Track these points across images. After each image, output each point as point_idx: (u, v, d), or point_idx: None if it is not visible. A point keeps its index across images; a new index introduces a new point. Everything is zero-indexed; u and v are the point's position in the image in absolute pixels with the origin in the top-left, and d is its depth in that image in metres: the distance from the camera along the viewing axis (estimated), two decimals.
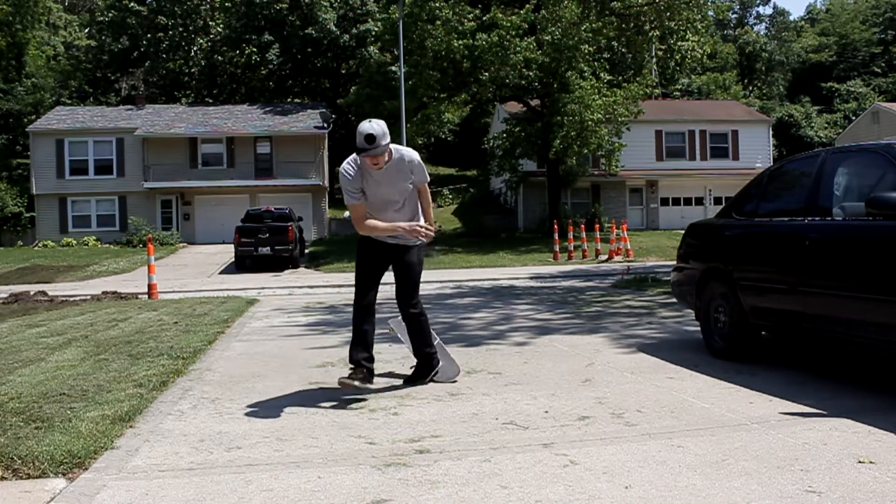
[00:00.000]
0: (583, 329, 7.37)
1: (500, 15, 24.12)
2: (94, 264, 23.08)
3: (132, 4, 43.77)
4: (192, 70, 46.07)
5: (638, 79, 27.49)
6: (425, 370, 4.96)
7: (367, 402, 4.45)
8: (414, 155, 4.73)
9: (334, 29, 41.08)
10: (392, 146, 4.54)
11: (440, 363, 4.98)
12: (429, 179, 4.92)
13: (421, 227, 4.63)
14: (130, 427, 3.91)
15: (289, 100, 44.06)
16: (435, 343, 5.03)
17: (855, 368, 5.05)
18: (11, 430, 3.69)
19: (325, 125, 34.09)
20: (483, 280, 15.52)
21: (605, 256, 21.22)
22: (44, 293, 13.27)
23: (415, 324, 4.90)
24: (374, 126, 4.31)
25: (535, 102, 27.33)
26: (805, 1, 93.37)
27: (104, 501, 2.91)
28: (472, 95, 27.32)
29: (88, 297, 12.74)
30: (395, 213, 4.67)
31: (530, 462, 3.25)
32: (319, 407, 4.36)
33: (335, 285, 15.28)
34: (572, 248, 21.69)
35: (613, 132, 26.15)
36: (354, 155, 4.50)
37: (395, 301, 4.99)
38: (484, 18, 24.68)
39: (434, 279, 14.97)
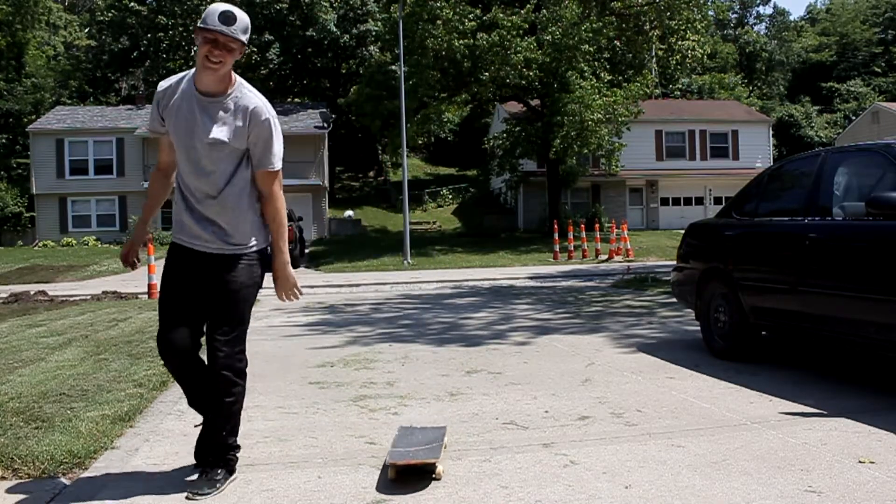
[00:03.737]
0: (583, 329, 7.37)
1: (501, 15, 24.11)
2: (93, 264, 23.07)
3: (132, 4, 43.75)
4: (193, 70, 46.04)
5: (638, 79, 27.46)
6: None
7: (368, 402, 4.45)
8: (262, 106, 3.02)
9: (334, 29, 41.07)
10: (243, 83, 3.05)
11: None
12: (276, 166, 3.09)
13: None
14: (130, 427, 3.91)
15: (289, 99, 44.05)
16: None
17: (855, 368, 5.05)
18: (12, 430, 3.69)
19: (325, 125, 34.09)
20: (483, 280, 15.51)
21: (605, 256, 21.21)
22: (44, 293, 13.26)
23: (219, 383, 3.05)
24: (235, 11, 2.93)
25: (535, 102, 27.33)
26: (805, 1, 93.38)
27: (104, 501, 2.91)
28: (472, 95, 27.31)
29: (88, 297, 12.74)
30: (206, 186, 3.03)
31: (530, 462, 3.25)
32: (319, 407, 4.36)
33: (335, 285, 15.28)
34: (572, 248, 21.68)
35: (613, 132, 26.14)
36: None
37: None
38: (484, 18, 24.67)
39: (434, 279, 14.98)
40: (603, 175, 31.61)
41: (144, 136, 32.53)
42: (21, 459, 3.24)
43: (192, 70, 3.05)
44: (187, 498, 2.91)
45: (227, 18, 2.90)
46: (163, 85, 3.10)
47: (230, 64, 2.95)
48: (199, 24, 2.90)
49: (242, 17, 2.94)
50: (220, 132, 2.97)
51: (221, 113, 2.98)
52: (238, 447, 3.18)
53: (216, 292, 3.03)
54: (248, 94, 3.02)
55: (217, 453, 3.08)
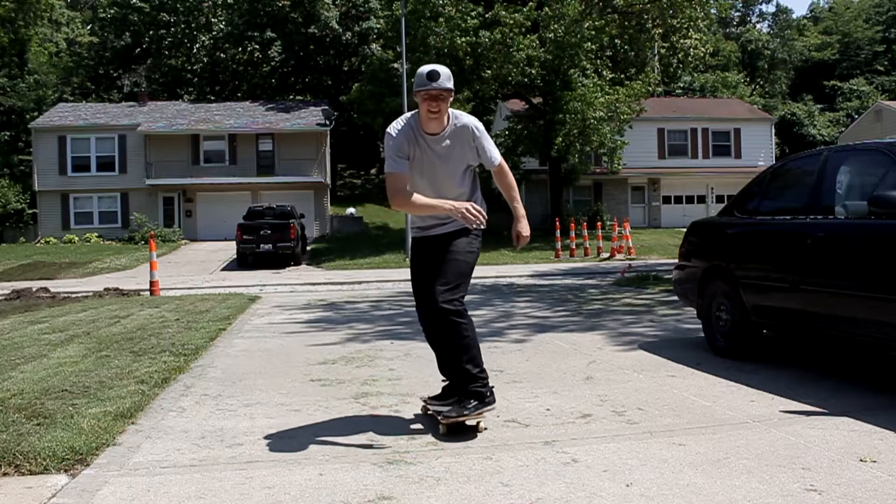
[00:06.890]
0: (584, 327, 7.36)
1: (503, 12, 24.10)
2: (96, 261, 23.10)
3: (135, 1, 43.81)
4: (195, 67, 46.12)
5: (640, 77, 27.44)
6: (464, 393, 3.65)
7: (369, 399, 4.45)
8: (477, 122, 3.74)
9: (336, 26, 41.08)
10: (452, 110, 3.69)
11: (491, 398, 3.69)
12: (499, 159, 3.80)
13: (471, 209, 3.54)
14: (132, 423, 3.92)
15: (291, 97, 44.08)
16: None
17: (856, 367, 5.05)
18: (14, 427, 3.70)
19: (328, 122, 34.09)
20: (484, 277, 15.52)
21: (607, 254, 21.21)
22: (46, 290, 13.29)
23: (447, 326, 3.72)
24: (438, 67, 3.59)
25: (537, 100, 27.30)
26: None
27: (106, 497, 2.91)
28: (474, 93, 27.29)
29: (90, 294, 12.75)
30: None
31: (531, 459, 3.25)
32: (321, 404, 4.36)
33: (337, 283, 15.30)
34: (574, 246, 21.68)
35: (615, 130, 26.11)
36: (407, 115, 3.71)
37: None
38: (487, 16, 24.66)
39: None
40: (605, 173, 31.59)
41: (147, 134, 32.59)
42: (23, 456, 3.25)
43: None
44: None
45: (432, 74, 3.53)
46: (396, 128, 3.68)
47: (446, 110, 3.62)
48: (414, 88, 3.55)
49: (444, 71, 3.58)
50: None
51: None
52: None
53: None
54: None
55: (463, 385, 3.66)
